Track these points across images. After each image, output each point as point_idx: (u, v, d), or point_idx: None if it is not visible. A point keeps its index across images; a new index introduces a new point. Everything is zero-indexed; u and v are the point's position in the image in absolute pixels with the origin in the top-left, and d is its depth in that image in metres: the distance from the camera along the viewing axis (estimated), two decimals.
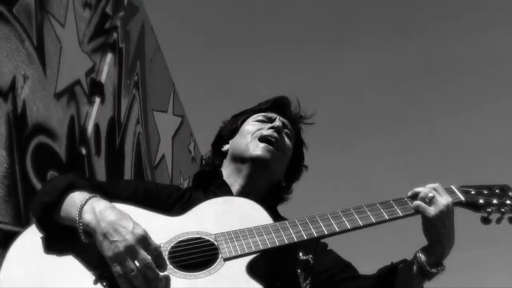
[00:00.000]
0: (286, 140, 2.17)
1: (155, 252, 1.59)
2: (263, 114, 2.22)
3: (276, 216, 2.06)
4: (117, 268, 1.56)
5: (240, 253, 1.68)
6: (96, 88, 4.07)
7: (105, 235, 1.59)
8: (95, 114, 4.04)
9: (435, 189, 1.88)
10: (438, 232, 1.83)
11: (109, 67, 4.21)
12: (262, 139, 2.08)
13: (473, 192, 1.95)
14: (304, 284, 1.97)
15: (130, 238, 1.56)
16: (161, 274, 1.58)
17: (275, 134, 2.09)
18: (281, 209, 2.21)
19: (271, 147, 2.07)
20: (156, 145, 5.46)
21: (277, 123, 2.13)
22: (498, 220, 1.92)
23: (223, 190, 2.05)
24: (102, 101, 4.14)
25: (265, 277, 1.67)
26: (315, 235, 1.78)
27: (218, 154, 2.23)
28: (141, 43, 5.00)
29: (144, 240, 1.59)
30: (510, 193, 1.95)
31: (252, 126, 2.16)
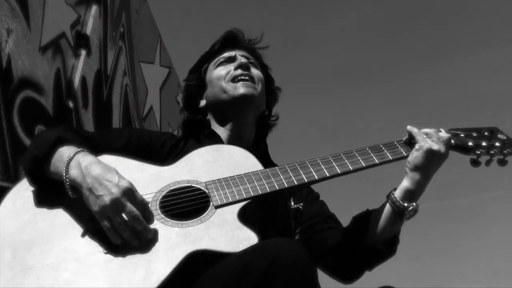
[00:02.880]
0: (255, 70, 2.16)
1: (141, 204, 1.60)
2: (220, 56, 2.19)
3: (268, 163, 2.06)
4: (105, 222, 1.58)
5: (231, 200, 1.68)
6: (81, 41, 4.02)
7: (90, 190, 1.59)
8: (81, 67, 4.00)
9: (427, 134, 1.85)
10: (423, 170, 1.81)
11: (94, 19, 4.15)
12: (236, 79, 2.08)
13: (462, 135, 1.94)
14: (295, 233, 1.99)
15: (115, 192, 1.57)
16: (150, 225, 1.60)
17: (246, 71, 2.09)
18: (276, 158, 2.21)
19: (247, 82, 2.07)
20: (144, 97, 5.44)
21: (241, 60, 2.12)
22: (487, 163, 1.91)
23: (214, 139, 2.04)
24: (88, 53, 4.10)
25: (257, 225, 1.67)
26: (306, 181, 1.77)
27: (196, 112, 2.20)
28: None
29: (130, 193, 1.59)
30: (499, 136, 1.94)
31: (218, 72, 2.14)
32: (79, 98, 4.02)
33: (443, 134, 1.90)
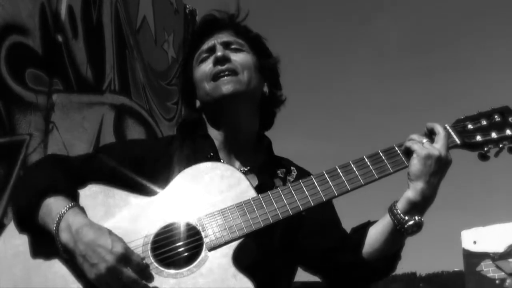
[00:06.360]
0: (238, 56, 1.96)
1: (138, 267, 1.56)
2: (201, 50, 2.01)
3: (272, 163, 1.97)
4: None
5: (224, 241, 1.62)
6: None
7: (84, 257, 1.55)
8: None
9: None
10: (425, 178, 1.69)
11: None
12: (215, 78, 1.91)
13: (470, 127, 1.78)
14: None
15: (110, 259, 1.52)
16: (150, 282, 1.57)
17: (224, 66, 1.91)
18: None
19: (227, 77, 1.90)
20: (135, 8, 5.22)
21: (218, 52, 1.93)
22: (497, 154, 1.77)
23: (207, 144, 1.93)
24: None
25: (257, 257, 1.62)
26: (301, 209, 1.68)
27: (194, 111, 2.05)
28: None
29: (125, 258, 1.54)
30: (510, 119, 1.78)
31: (201, 70, 1.97)
32: (68, 29, 3.88)
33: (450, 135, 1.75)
